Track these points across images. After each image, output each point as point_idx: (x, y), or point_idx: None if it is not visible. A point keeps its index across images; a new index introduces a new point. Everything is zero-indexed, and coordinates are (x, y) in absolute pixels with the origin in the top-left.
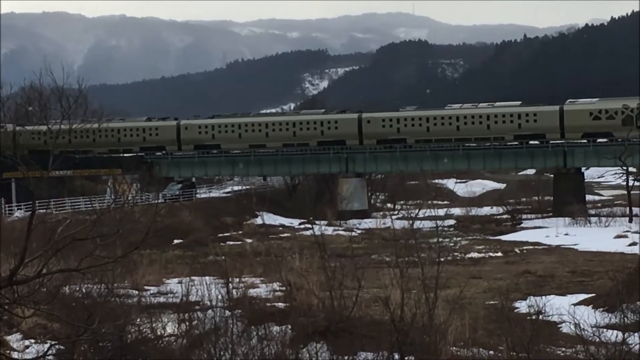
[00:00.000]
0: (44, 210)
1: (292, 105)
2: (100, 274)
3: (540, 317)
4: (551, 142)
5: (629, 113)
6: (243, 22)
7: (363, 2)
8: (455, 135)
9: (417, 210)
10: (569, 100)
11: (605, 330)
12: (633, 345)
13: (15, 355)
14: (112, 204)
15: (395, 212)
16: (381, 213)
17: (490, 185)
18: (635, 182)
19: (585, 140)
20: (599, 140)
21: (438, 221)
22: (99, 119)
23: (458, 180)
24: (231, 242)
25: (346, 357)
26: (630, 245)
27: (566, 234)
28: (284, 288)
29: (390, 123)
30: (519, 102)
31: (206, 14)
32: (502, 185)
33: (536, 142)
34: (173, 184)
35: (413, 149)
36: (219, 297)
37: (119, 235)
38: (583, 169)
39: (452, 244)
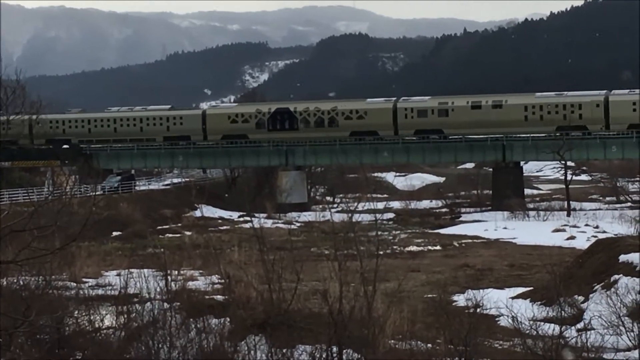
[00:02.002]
0: None
1: (232, 98)
2: (38, 266)
3: (478, 310)
4: (490, 136)
5: (262, 117)
6: (183, 14)
7: None
8: (113, 136)
9: (356, 204)
10: (210, 104)
11: (542, 323)
12: (570, 338)
13: None
14: (50, 196)
15: (335, 205)
16: (320, 206)
17: (429, 178)
18: (574, 176)
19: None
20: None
21: (377, 214)
22: (36, 110)
23: (397, 174)
24: (170, 235)
25: (284, 350)
26: (568, 239)
27: (505, 228)
28: (222, 281)
29: (57, 124)
30: (169, 106)
31: (146, 5)
32: (441, 179)
33: (477, 136)
34: (112, 176)
35: (353, 142)
36: (158, 289)
37: (57, 227)
38: (522, 163)
39: (391, 237)
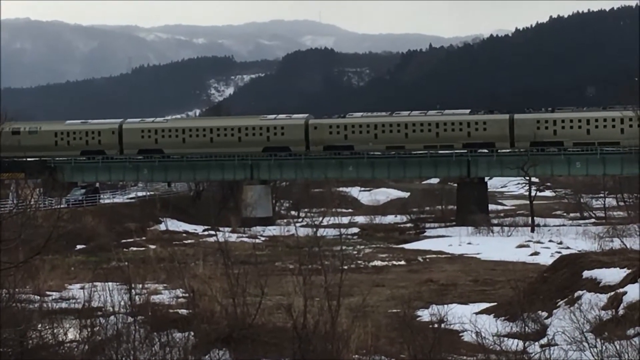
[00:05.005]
0: None
1: (198, 112)
2: (1, 279)
3: (442, 325)
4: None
5: None
6: (149, 27)
7: (270, 9)
8: None
9: (321, 218)
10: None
11: (506, 339)
12: (533, 354)
13: None
14: (14, 209)
15: (300, 220)
16: (285, 220)
17: (394, 193)
18: (538, 192)
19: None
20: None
21: (342, 229)
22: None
23: (362, 189)
24: (134, 248)
25: None
26: (532, 254)
27: (469, 243)
28: (187, 295)
29: None
30: None
31: (112, 18)
32: (406, 194)
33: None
34: (76, 189)
35: (319, 157)
36: (122, 303)
37: (21, 240)
38: (486, 178)
39: (355, 252)
